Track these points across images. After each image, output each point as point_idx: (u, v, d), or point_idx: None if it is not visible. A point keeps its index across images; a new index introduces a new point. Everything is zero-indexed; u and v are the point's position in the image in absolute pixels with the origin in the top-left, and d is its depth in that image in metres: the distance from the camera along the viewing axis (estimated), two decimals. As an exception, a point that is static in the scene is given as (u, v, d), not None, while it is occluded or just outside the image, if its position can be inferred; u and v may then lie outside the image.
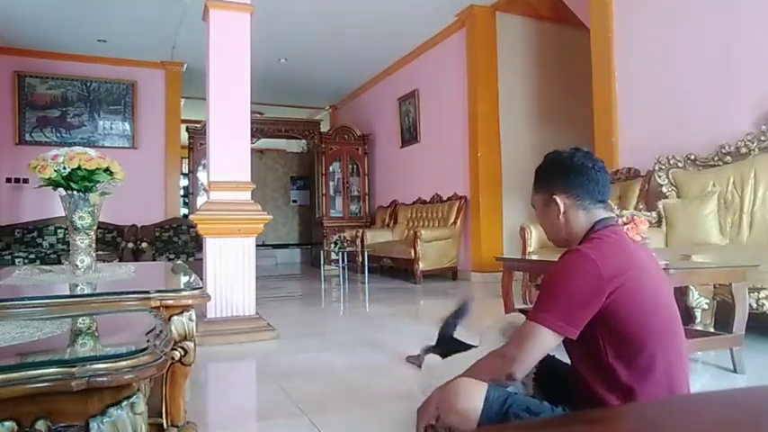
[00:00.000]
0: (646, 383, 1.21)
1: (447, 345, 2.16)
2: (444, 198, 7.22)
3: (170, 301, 1.57)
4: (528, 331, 1.24)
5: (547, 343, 1.22)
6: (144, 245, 7.14)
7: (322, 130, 9.64)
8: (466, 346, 2.08)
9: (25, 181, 7.24)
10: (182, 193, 9.21)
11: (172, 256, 6.97)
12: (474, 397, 1.23)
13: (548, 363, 1.57)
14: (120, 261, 5.54)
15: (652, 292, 1.26)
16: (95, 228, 2.08)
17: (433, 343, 2.30)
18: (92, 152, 2.03)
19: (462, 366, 1.79)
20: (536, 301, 1.28)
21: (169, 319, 1.53)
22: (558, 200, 1.36)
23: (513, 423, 1.19)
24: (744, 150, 3.73)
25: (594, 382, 1.26)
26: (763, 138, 3.64)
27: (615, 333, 1.22)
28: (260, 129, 8.82)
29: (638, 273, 1.25)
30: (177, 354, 1.55)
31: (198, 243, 6.86)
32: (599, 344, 1.24)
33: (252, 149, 4.31)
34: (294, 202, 11.66)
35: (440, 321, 2.37)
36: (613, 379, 1.23)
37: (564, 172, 1.36)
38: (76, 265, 2.02)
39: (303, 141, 10.59)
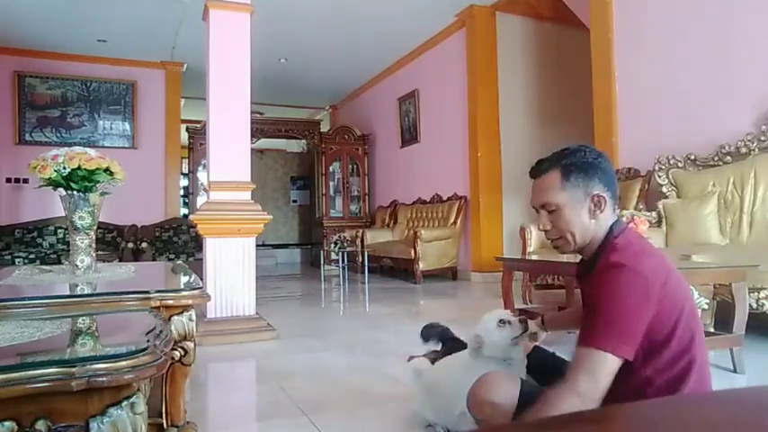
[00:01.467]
0: (684, 388, 1.19)
1: (451, 344, 2.16)
2: (444, 198, 7.22)
3: (170, 301, 1.57)
4: (596, 361, 1.16)
5: (614, 369, 1.16)
6: (144, 245, 7.14)
7: (322, 130, 9.64)
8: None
9: (25, 181, 7.24)
10: (182, 193, 9.21)
11: (172, 256, 6.97)
12: (510, 390, 1.20)
13: (542, 358, 1.56)
14: (120, 261, 5.54)
15: (686, 295, 1.25)
16: (95, 228, 2.08)
17: (438, 348, 2.30)
18: (92, 152, 2.03)
19: (452, 368, 1.78)
20: (592, 325, 1.20)
21: (169, 319, 1.53)
22: (606, 197, 1.29)
23: (513, 423, 1.18)
24: (744, 150, 3.73)
25: (624, 394, 1.20)
26: (763, 138, 3.64)
27: (653, 342, 1.19)
28: (260, 129, 8.82)
29: (675, 277, 1.24)
30: (177, 354, 1.55)
31: (198, 243, 6.86)
32: (638, 354, 1.19)
33: (252, 149, 4.31)
34: (294, 202, 11.66)
35: (433, 330, 2.37)
36: (646, 391, 1.20)
37: (603, 170, 1.30)
38: (76, 265, 2.02)
39: (303, 141, 10.59)
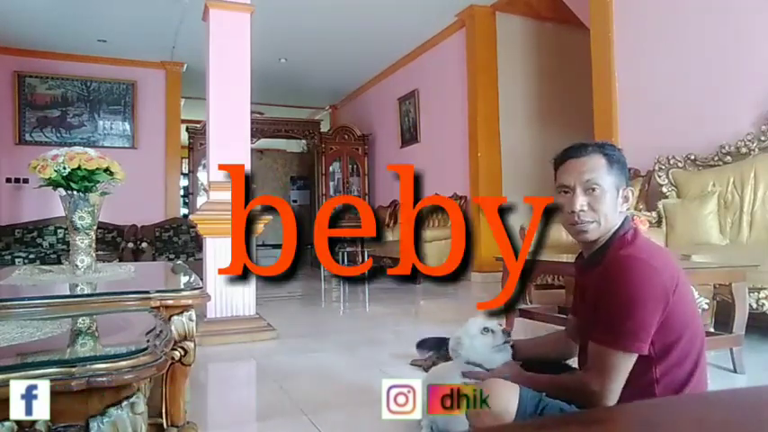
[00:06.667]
0: (687, 389, 1.19)
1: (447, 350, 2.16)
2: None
3: (170, 301, 1.57)
4: (611, 361, 1.16)
5: (630, 366, 1.16)
6: (144, 245, 7.14)
7: (322, 130, 9.63)
8: None
9: (25, 181, 7.23)
10: (182, 193, 9.21)
11: (172, 256, 6.96)
12: (508, 398, 1.18)
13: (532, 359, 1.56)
14: (120, 261, 5.54)
15: (691, 294, 1.26)
16: (95, 228, 2.08)
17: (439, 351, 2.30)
18: (92, 152, 2.03)
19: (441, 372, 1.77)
20: (605, 321, 1.19)
21: (169, 319, 1.53)
22: (630, 194, 1.33)
23: (512, 423, 1.18)
24: (744, 150, 3.72)
25: (632, 393, 1.19)
26: (763, 138, 3.64)
27: (665, 342, 1.19)
28: (260, 129, 8.81)
29: (684, 278, 1.24)
30: (177, 354, 1.55)
31: (198, 243, 6.85)
32: (649, 354, 1.18)
33: (252, 149, 4.31)
34: (294, 202, 11.65)
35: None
36: (654, 390, 1.19)
37: (625, 168, 1.34)
38: (76, 265, 2.02)
39: (303, 141, 10.58)
